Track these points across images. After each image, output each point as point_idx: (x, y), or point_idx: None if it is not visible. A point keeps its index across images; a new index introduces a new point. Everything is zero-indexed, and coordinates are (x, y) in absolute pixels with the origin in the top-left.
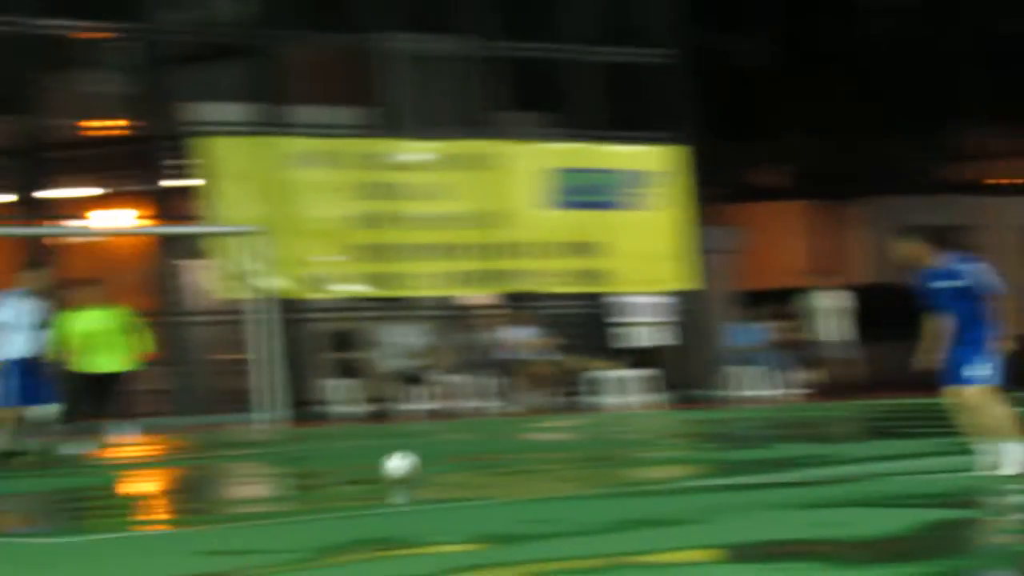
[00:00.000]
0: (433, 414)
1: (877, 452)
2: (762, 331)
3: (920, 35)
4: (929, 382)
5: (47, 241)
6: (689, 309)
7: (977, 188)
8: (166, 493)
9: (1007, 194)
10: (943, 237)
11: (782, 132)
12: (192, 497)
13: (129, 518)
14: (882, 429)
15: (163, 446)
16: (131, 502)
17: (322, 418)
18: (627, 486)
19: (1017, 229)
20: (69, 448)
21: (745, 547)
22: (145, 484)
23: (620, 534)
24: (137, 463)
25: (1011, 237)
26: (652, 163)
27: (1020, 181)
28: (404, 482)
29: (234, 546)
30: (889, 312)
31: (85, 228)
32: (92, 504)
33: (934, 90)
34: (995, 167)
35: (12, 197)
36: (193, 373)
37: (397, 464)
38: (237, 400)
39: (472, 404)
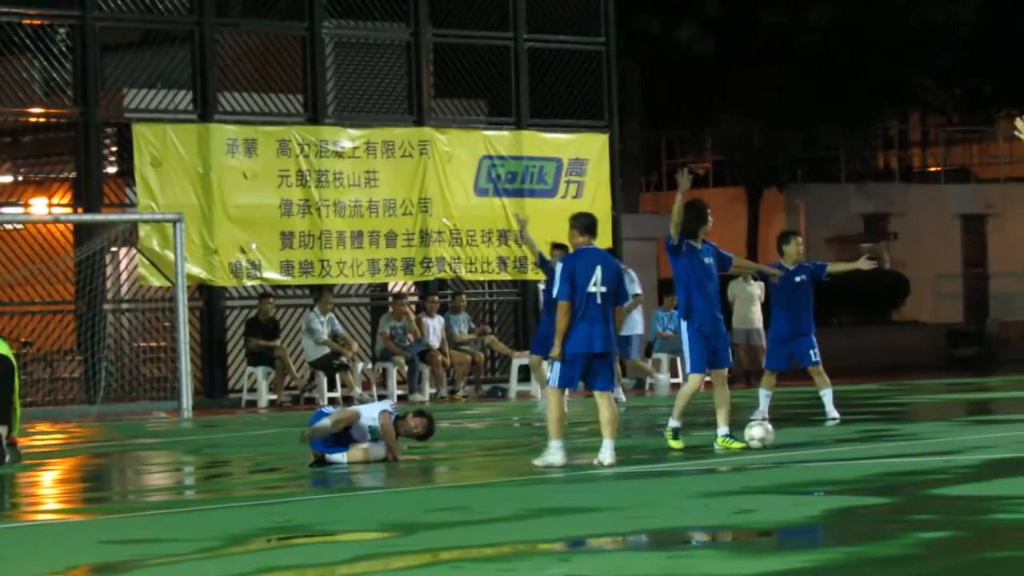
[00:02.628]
0: (351, 402)
1: (788, 439)
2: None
3: (858, 22)
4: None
5: None
6: None
7: (907, 176)
8: (72, 482)
9: (936, 181)
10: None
11: (712, 120)
12: (99, 486)
13: (34, 507)
14: (795, 416)
15: (75, 435)
16: (37, 491)
17: (239, 406)
18: (534, 474)
19: (948, 216)
20: None
21: (651, 534)
22: (52, 473)
23: (527, 521)
24: (45, 452)
25: (941, 224)
26: (581, 151)
27: (949, 168)
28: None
29: (140, 535)
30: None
31: (10, 215)
32: None
33: (870, 78)
34: (926, 154)
35: None
36: (114, 361)
37: (758, 432)
38: (157, 388)
39: (395, 393)
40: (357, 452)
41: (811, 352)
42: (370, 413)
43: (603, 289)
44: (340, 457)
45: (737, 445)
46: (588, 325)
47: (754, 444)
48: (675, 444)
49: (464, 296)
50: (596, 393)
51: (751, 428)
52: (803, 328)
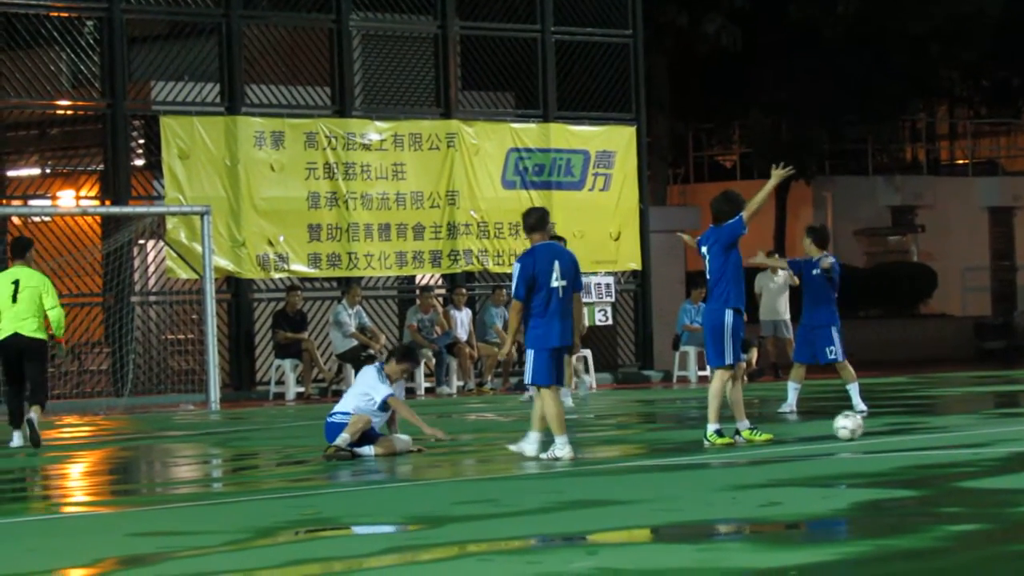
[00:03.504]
0: None
1: (816, 431)
2: None
3: (885, 15)
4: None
5: None
6: (637, 289)
7: (935, 168)
8: (100, 475)
9: (964, 174)
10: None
11: (740, 112)
12: (127, 479)
13: (62, 500)
14: (822, 409)
15: (103, 427)
16: (63, 484)
17: (266, 398)
18: (562, 466)
19: (975, 209)
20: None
21: (678, 527)
22: (78, 465)
23: (555, 514)
24: (73, 444)
25: (968, 216)
26: (609, 143)
27: (976, 160)
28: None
29: (167, 527)
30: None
31: (38, 207)
32: (23, 486)
33: (897, 70)
34: (954, 147)
35: None
36: (142, 353)
37: (845, 424)
38: (185, 381)
39: (423, 385)
40: (385, 444)
41: (827, 349)
42: (376, 410)
43: (564, 283)
44: (368, 450)
45: (764, 437)
46: (557, 320)
47: (844, 435)
48: (723, 441)
49: (505, 290)
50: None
51: (842, 419)
52: (821, 320)
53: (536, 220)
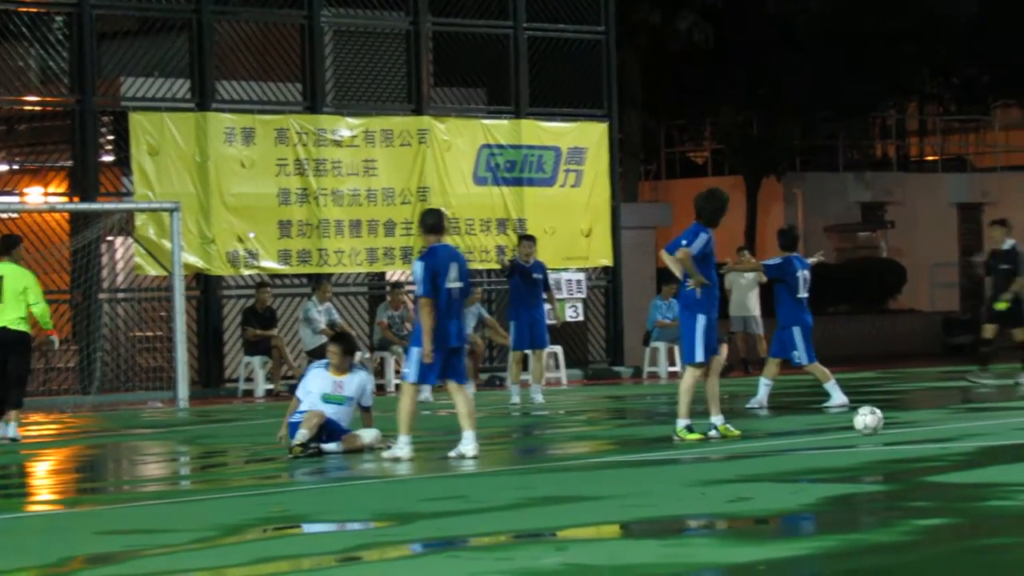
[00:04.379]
0: None
1: (786, 427)
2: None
3: (860, 13)
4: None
5: None
6: (608, 286)
7: (905, 165)
8: (67, 472)
9: (933, 170)
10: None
11: (712, 109)
12: (94, 476)
13: (29, 498)
14: (792, 404)
15: (70, 425)
16: (32, 482)
17: (235, 395)
18: (532, 463)
19: (944, 205)
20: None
21: (647, 523)
22: (45, 463)
23: (524, 510)
24: (40, 442)
25: (937, 213)
26: (580, 140)
27: (946, 157)
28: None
29: (135, 525)
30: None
31: (5, 204)
32: None
33: (869, 67)
34: (924, 143)
35: None
36: (109, 351)
37: (865, 421)
38: (153, 378)
39: (393, 382)
40: (351, 441)
41: (794, 353)
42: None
43: (459, 284)
44: (335, 447)
45: (735, 433)
46: (448, 321)
47: (867, 432)
48: (693, 436)
49: (480, 289)
50: (453, 386)
51: (860, 416)
52: (781, 320)
53: (436, 221)
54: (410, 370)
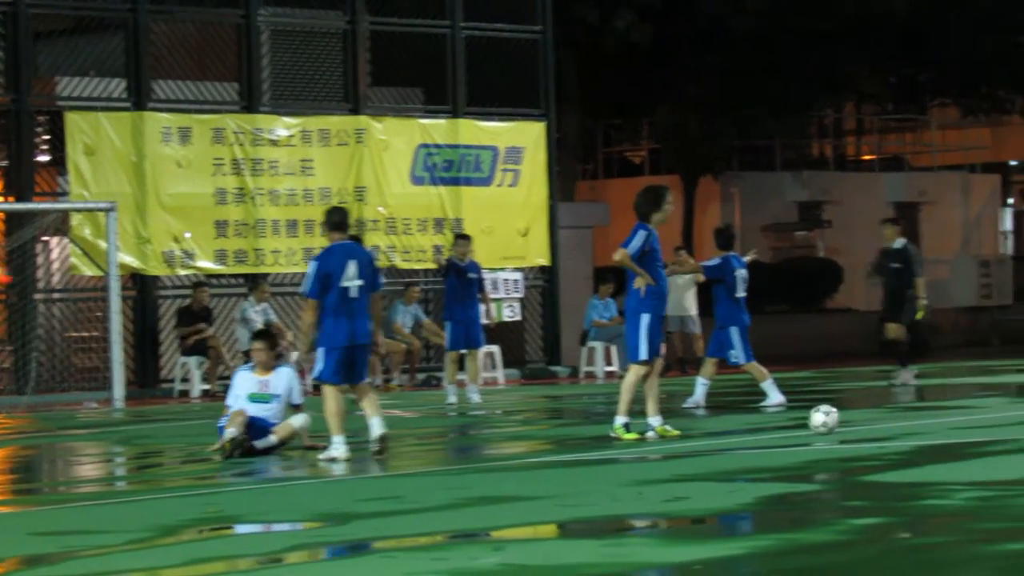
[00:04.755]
0: None
1: (722, 426)
2: (615, 307)
3: (795, 11)
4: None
5: None
6: (545, 285)
7: (842, 164)
8: (1, 473)
9: (870, 170)
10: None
11: (649, 108)
12: (28, 477)
13: None
14: (729, 404)
15: (4, 425)
16: None
17: (171, 396)
18: (469, 463)
19: (881, 204)
20: None
21: (584, 523)
22: None
23: (460, 511)
24: None
25: (874, 212)
26: (518, 139)
27: (883, 156)
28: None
29: (70, 526)
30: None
31: None
32: None
33: (806, 66)
34: (861, 143)
35: None
36: (45, 351)
37: (821, 420)
38: (89, 378)
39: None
40: (282, 429)
41: (731, 352)
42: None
43: (360, 282)
44: (271, 439)
45: (673, 433)
46: (347, 319)
47: (821, 431)
48: (630, 436)
49: (418, 288)
50: (353, 386)
51: (819, 415)
52: (719, 320)
53: (339, 219)
54: (323, 370)
